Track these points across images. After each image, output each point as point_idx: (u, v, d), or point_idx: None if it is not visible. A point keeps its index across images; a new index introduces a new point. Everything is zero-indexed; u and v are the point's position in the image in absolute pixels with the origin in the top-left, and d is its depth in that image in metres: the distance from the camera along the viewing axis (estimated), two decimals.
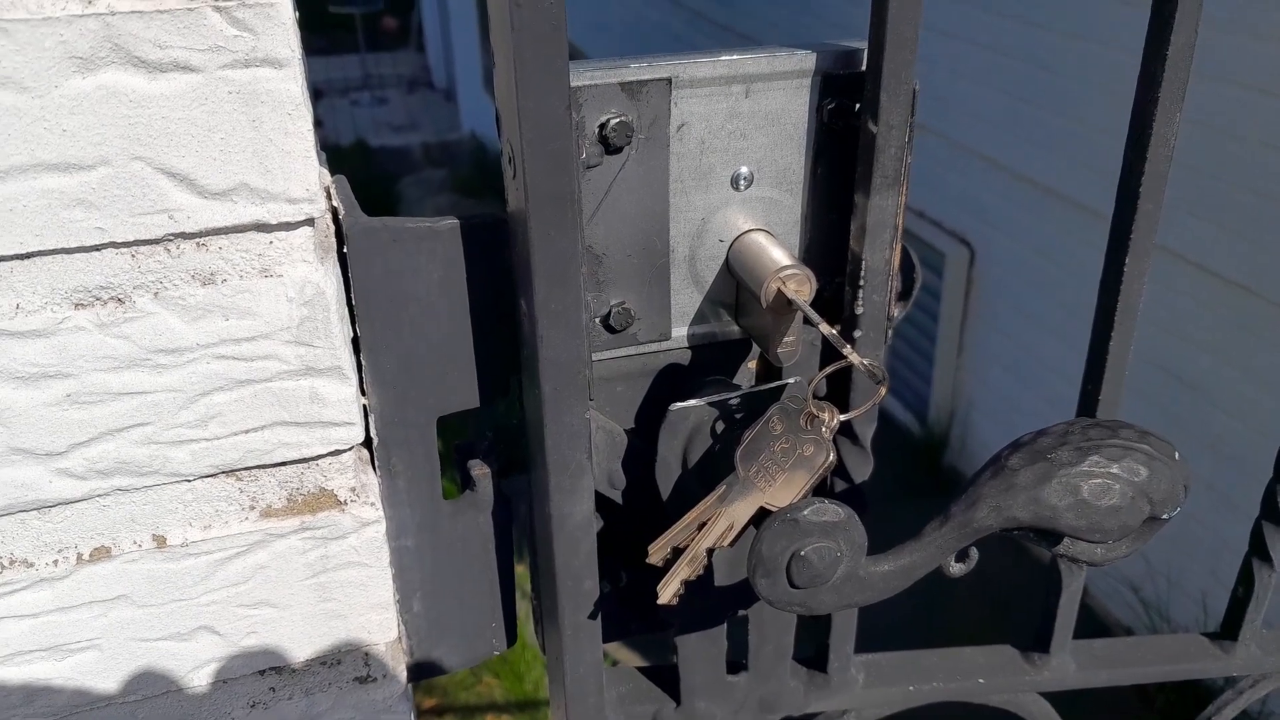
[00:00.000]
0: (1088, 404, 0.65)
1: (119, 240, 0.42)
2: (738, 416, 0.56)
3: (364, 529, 0.54)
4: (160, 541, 0.51)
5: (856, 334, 0.57)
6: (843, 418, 0.51)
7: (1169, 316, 3.33)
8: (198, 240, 0.44)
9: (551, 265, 0.47)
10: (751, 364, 0.61)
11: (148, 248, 0.43)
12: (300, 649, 0.56)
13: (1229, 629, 0.83)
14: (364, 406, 0.54)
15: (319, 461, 0.52)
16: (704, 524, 0.52)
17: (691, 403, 0.55)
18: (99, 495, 0.48)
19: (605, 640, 0.64)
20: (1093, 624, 4.40)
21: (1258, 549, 0.80)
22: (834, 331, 0.49)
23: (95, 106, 0.40)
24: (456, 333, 0.53)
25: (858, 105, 0.53)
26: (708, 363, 0.59)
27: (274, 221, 0.44)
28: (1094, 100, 3.55)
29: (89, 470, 0.47)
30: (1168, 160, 0.57)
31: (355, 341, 0.52)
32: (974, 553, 0.52)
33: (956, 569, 0.51)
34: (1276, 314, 3.02)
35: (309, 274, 0.46)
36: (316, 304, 0.47)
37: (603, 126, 0.50)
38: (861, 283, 0.56)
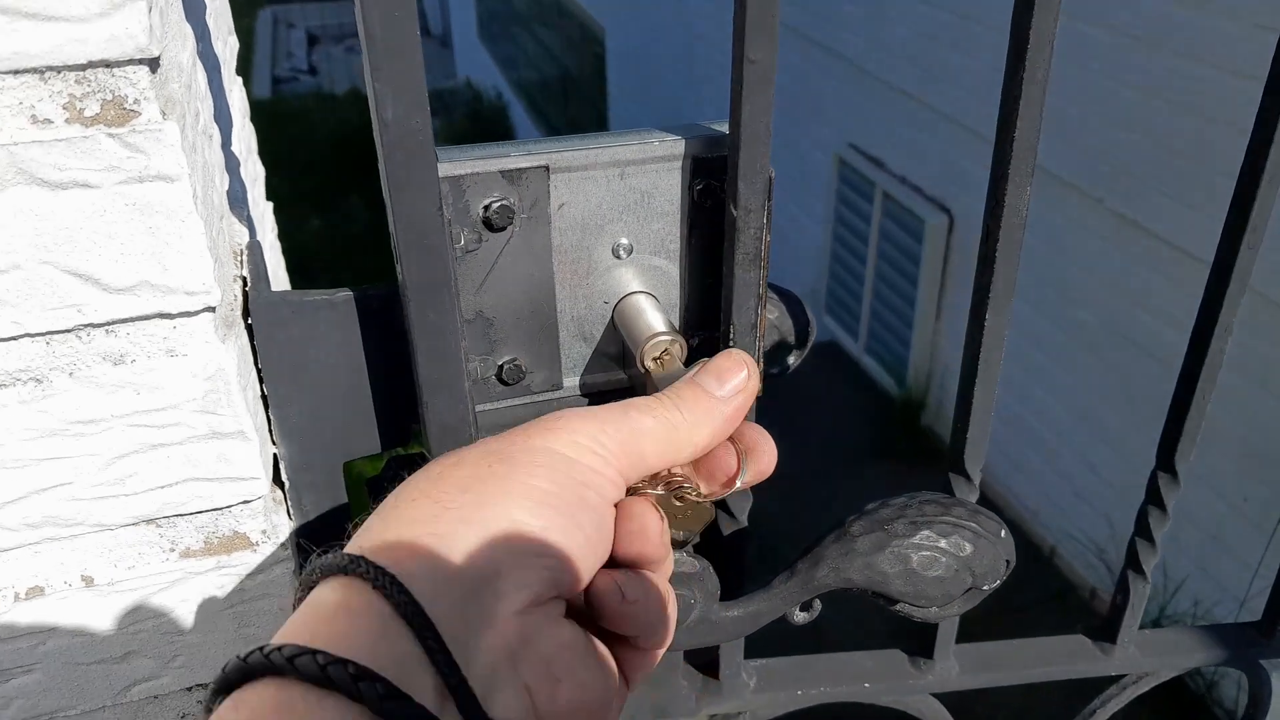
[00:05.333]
0: (957, 440, 0.70)
1: (33, 331, 0.47)
2: None
3: (275, 565, 0.60)
4: (88, 581, 0.57)
5: None
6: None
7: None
8: (106, 328, 0.49)
9: (431, 342, 0.52)
10: None
11: (60, 336, 0.48)
12: None
13: (1109, 633, 0.89)
14: (274, 455, 0.59)
15: (230, 509, 0.57)
16: None
17: None
18: (30, 544, 0.54)
19: None
20: (1059, 583, 4.52)
21: (1132, 563, 0.86)
22: None
23: (6, 221, 0.45)
24: (356, 389, 0.59)
25: (724, 183, 0.58)
26: None
27: (175, 311, 0.49)
28: (1071, 77, 3.57)
29: (20, 524, 0.53)
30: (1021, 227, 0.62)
31: (265, 398, 0.57)
32: (817, 604, 0.57)
33: (800, 618, 0.57)
34: None
35: (210, 353, 0.51)
36: (218, 379, 0.52)
37: (486, 208, 0.55)
38: (731, 341, 0.61)
